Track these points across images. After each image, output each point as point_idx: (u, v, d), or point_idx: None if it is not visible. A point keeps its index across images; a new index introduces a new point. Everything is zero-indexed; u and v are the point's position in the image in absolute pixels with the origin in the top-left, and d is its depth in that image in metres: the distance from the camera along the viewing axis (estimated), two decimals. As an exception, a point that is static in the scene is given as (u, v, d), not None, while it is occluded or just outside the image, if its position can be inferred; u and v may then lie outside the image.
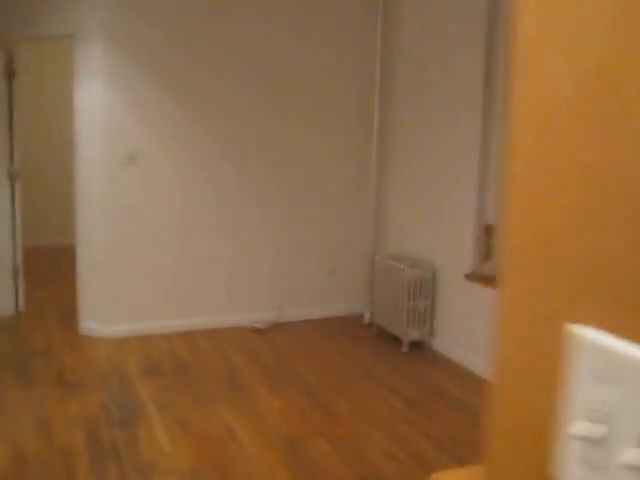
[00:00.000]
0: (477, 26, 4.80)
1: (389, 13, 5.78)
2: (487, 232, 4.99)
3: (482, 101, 4.81)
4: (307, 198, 5.93)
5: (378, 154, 5.93)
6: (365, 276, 6.10)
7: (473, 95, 4.88)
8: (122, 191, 5.35)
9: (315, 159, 5.90)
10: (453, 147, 5.12)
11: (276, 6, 5.57)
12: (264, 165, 5.73)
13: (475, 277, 4.99)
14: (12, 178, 5.85)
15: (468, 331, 5.01)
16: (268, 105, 5.68)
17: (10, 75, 5.77)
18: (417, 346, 5.38)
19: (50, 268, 7.61)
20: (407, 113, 5.69)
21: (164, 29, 5.29)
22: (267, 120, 5.69)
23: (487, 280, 4.91)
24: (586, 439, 0.70)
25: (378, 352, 5.32)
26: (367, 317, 5.96)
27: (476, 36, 4.81)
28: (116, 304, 5.46)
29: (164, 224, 5.50)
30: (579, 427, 0.70)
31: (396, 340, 5.43)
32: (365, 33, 5.83)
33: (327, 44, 5.78)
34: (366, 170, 6.00)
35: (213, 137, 5.55)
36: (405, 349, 5.31)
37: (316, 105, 5.83)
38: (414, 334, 5.35)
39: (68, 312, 5.89)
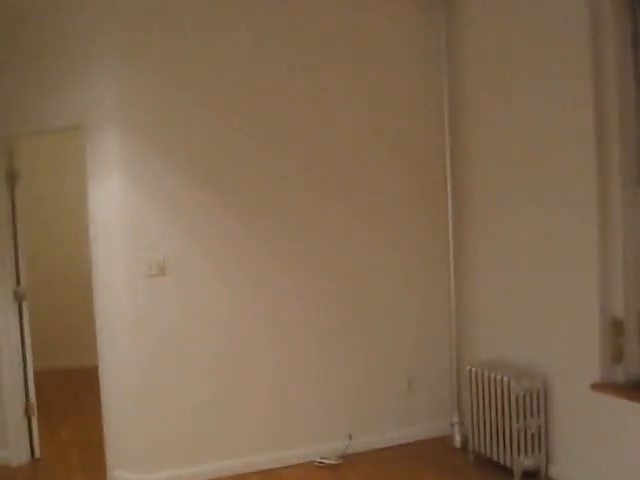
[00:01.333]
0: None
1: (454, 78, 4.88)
2: (615, 328, 3.91)
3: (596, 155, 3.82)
4: (372, 300, 4.90)
5: (454, 229, 4.93)
6: (449, 389, 5.01)
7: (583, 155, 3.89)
8: (151, 309, 4.36)
9: (377, 246, 4.90)
10: (560, 215, 4.10)
11: (337, 83, 4.70)
12: (317, 264, 4.74)
13: (605, 387, 3.88)
14: (19, 299, 4.90)
15: (598, 455, 3.88)
16: (320, 193, 4.73)
17: (12, 179, 4.89)
18: (531, 476, 4.23)
19: (67, 397, 6.57)
20: (488, 179, 4.72)
21: (187, 110, 4.41)
22: (319, 211, 4.74)
23: (620, 390, 3.82)
24: None
25: (483, 488, 4.19)
26: (458, 440, 4.83)
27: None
28: (150, 445, 4.39)
29: (203, 345, 4.48)
30: None
31: (502, 469, 4.30)
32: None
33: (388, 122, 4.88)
34: (442, 254, 4.99)
35: (257, 236, 4.59)
36: (517, 482, 4.18)
37: (376, 182, 4.88)
38: (526, 462, 4.20)
39: (93, 457, 4.84)
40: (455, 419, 4.90)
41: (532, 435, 4.20)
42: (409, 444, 4.92)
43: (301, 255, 4.69)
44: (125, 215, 4.31)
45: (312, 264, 4.72)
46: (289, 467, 4.61)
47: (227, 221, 4.51)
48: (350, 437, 4.77)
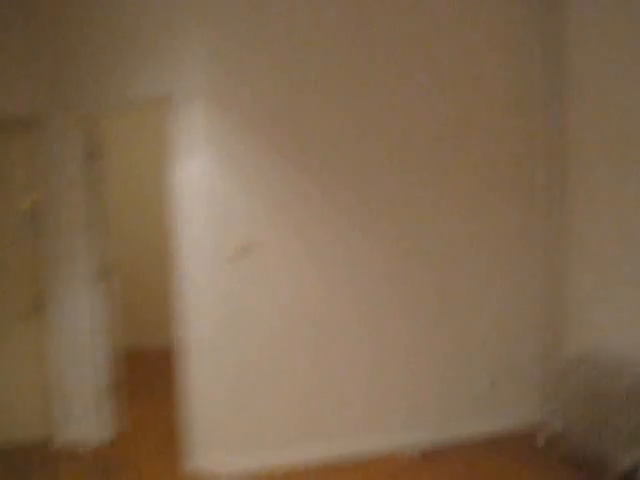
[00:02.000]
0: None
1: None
2: None
3: None
4: (462, 289, 4.72)
5: (547, 222, 4.71)
6: (537, 382, 4.80)
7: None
8: (234, 291, 4.25)
9: (470, 236, 4.72)
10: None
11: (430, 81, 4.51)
12: (409, 251, 4.58)
13: None
14: (103, 278, 4.85)
15: None
16: (415, 179, 4.57)
17: (94, 158, 4.83)
18: (628, 477, 4.00)
19: (147, 377, 6.52)
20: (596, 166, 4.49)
21: (278, 87, 4.27)
22: (414, 198, 4.58)
23: None
24: None
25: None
26: (545, 436, 4.61)
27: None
28: (231, 432, 4.31)
29: (287, 329, 4.35)
30: None
31: (596, 467, 4.07)
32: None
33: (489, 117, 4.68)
34: (534, 246, 4.78)
35: (347, 220, 4.44)
36: (617, 482, 3.96)
37: (470, 172, 4.68)
38: (627, 459, 3.97)
39: (172, 440, 4.76)
40: (543, 414, 4.68)
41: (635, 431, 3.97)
42: (495, 438, 4.72)
43: (394, 241, 4.53)
44: (210, 195, 4.20)
45: (404, 251, 4.55)
46: (375, 457, 4.46)
47: (316, 204, 4.37)
48: (436, 428, 4.60)
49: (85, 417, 4.84)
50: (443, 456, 4.45)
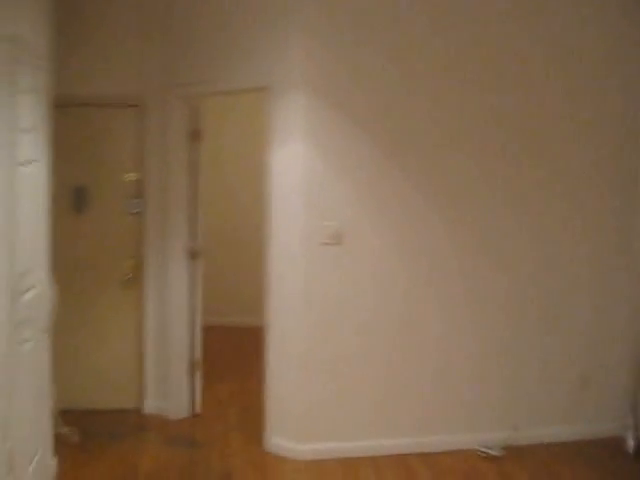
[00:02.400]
0: None
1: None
2: None
3: None
4: (552, 289, 4.64)
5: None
6: (625, 387, 4.68)
7: None
8: (324, 278, 4.31)
9: (565, 234, 4.63)
10: None
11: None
12: (498, 247, 4.53)
13: None
14: (193, 256, 4.99)
15: None
16: (511, 173, 4.51)
17: (195, 138, 4.96)
18: None
19: (231, 355, 6.69)
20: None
21: (378, 79, 4.28)
22: (511, 192, 4.52)
23: None
24: None
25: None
26: (631, 445, 4.50)
27: None
28: (310, 416, 4.37)
29: (372, 319, 4.38)
30: None
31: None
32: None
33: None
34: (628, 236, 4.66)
35: (440, 215, 4.43)
36: None
37: (571, 171, 4.59)
38: None
39: (251, 419, 4.88)
40: (630, 421, 4.57)
41: None
42: (576, 442, 4.62)
43: (485, 237, 4.49)
44: (305, 181, 4.26)
45: (494, 247, 4.51)
46: (450, 453, 4.45)
47: (410, 197, 4.37)
48: (515, 428, 4.55)
49: (172, 389, 5.00)
50: (522, 458, 4.40)
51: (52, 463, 3.96)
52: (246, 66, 4.47)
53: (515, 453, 4.46)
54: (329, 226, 4.27)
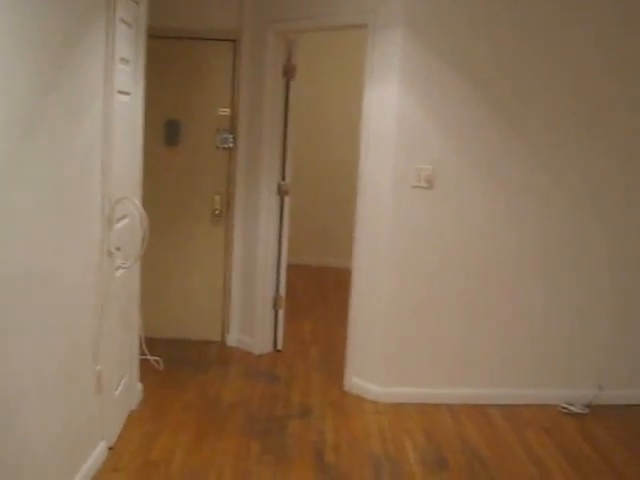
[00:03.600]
0: None
1: None
2: None
3: None
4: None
5: None
6: None
7: None
8: (414, 222, 4.24)
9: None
10: None
11: None
12: (583, 209, 4.34)
13: None
14: (282, 193, 4.99)
15: None
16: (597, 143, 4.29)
17: (289, 74, 4.91)
18: None
19: (316, 294, 6.73)
20: None
21: (476, 19, 4.11)
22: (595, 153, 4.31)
23: None
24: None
25: None
26: None
27: None
28: (392, 360, 4.37)
29: (461, 265, 4.31)
30: None
31: None
32: None
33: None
34: None
35: (531, 165, 4.26)
36: None
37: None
38: None
39: (332, 358, 4.93)
40: None
41: None
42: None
43: (587, 188, 4.31)
44: (399, 122, 4.17)
45: (595, 199, 4.33)
46: (530, 406, 4.37)
47: (503, 144, 4.22)
48: (600, 387, 4.43)
49: (256, 324, 5.07)
50: (606, 417, 4.29)
51: (138, 388, 4.09)
52: (346, 2, 4.36)
53: (598, 411, 4.35)
54: (422, 169, 4.17)
